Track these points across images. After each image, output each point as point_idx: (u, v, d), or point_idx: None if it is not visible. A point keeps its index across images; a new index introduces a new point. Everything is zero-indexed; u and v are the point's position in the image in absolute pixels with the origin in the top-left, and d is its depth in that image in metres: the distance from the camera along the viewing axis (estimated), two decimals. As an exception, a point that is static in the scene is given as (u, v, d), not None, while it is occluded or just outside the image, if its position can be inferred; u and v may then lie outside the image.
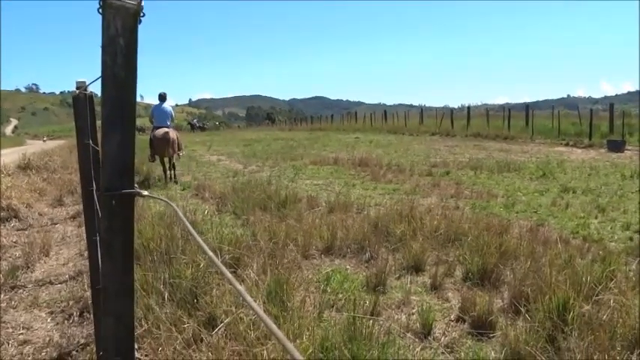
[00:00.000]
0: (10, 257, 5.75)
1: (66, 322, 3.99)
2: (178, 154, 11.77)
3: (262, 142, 25.92)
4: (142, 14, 0.87)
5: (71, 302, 4.30)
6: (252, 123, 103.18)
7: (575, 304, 3.48)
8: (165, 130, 10.91)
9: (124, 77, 0.87)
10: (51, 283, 4.97)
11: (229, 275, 0.81)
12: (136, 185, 0.95)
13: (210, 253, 0.89)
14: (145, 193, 0.98)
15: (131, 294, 1.01)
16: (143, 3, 0.86)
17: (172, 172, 11.26)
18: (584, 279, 3.85)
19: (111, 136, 0.89)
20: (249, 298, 0.73)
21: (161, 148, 10.84)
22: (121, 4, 0.85)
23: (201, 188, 9.45)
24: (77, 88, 2.58)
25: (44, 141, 40.09)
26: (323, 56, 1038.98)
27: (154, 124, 11.44)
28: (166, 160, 11.13)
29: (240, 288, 0.72)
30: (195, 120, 69.94)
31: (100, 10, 0.86)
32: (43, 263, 5.60)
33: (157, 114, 11.44)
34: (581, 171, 12.07)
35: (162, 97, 11.55)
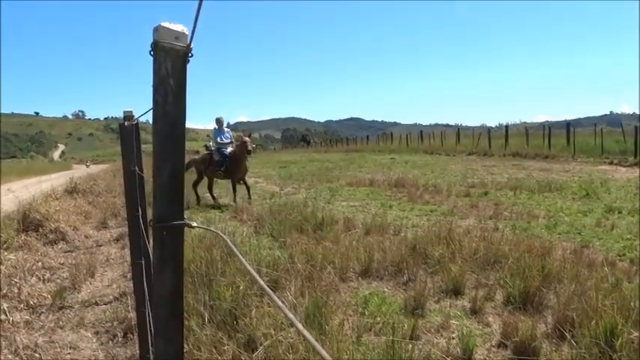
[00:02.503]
0: (57, 278, 5.97)
1: (110, 342, 4.11)
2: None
3: (298, 163, 26.15)
4: (190, 54, 0.93)
5: (115, 323, 4.42)
6: (287, 145, 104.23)
7: (624, 329, 3.36)
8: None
9: (174, 114, 0.94)
10: (96, 303, 5.13)
11: (279, 302, 0.84)
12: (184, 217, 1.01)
13: (262, 282, 0.93)
14: (194, 224, 1.03)
15: (180, 319, 1.07)
16: (192, 45, 0.92)
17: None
18: (632, 304, 3.72)
19: (162, 169, 0.95)
20: (300, 325, 0.76)
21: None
22: (171, 46, 0.91)
23: (239, 210, 9.59)
24: (124, 118, 2.71)
25: (87, 166, 41.55)
26: (358, 78, 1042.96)
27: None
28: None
29: (290, 315, 0.76)
30: (210, 143, 72.15)
31: (152, 53, 0.93)
32: (89, 284, 5.78)
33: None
34: (627, 190, 11.67)
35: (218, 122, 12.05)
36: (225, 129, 12.05)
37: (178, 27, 0.91)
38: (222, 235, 1.21)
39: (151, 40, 0.92)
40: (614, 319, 3.41)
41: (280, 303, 0.82)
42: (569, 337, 3.51)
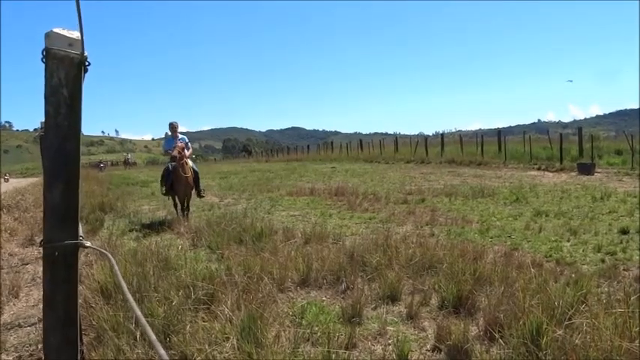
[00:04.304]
0: (-23, 301, 5.57)
1: (34, 367, 3.87)
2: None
3: (239, 174, 25.86)
4: (87, 63, 0.86)
5: (40, 346, 4.16)
6: (228, 155, 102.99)
7: (549, 328, 3.49)
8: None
9: (67, 127, 0.86)
10: (19, 326, 4.82)
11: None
12: (81, 236, 0.94)
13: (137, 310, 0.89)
14: (88, 244, 0.97)
15: (74, 348, 0.99)
16: (87, 53, 0.85)
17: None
18: (556, 303, 3.88)
19: (53, 186, 0.87)
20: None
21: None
22: (65, 54, 0.83)
23: (176, 223, 9.34)
24: (42, 128, 2.56)
25: (6, 180, 37.01)
26: (298, 87, 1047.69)
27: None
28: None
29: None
30: (129, 156, 71.84)
31: (44, 60, 0.86)
32: (12, 305, 5.43)
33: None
34: (553, 194, 12.30)
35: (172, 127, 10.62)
36: (180, 135, 10.51)
37: (73, 33, 0.84)
38: (111, 258, 1.16)
39: (43, 47, 0.84)
40: (540, 319, 3.54)
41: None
42: (498, 337, 3.62)
